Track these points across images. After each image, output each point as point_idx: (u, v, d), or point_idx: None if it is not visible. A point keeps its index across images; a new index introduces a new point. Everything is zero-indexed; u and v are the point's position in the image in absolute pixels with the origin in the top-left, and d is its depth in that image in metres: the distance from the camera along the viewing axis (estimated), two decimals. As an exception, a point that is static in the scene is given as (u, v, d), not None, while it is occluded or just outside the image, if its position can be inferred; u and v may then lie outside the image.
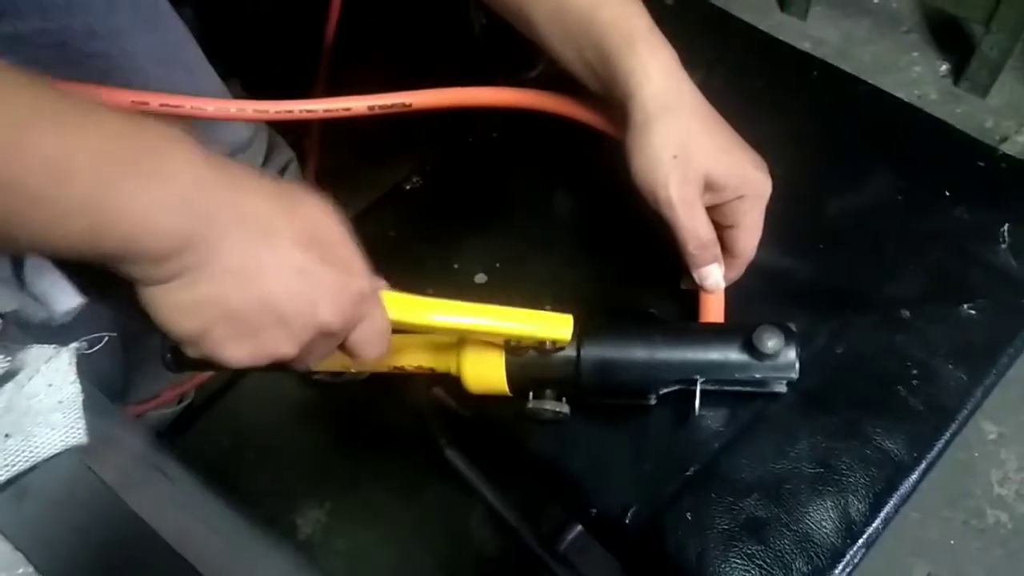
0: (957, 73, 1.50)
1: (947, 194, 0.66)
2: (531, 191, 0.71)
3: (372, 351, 0.44)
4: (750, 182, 0.55)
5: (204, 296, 0.36)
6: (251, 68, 1.13)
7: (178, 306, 0.36)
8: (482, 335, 0.47)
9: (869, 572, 1.03)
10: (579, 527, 1.01)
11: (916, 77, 1.52)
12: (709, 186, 0.54)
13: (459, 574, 1.13)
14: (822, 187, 0.65)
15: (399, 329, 0.46)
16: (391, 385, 1.18)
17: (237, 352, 0.38)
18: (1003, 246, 0.63)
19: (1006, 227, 0.63)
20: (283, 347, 0.39)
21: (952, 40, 1.54)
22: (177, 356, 0.55)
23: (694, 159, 0.53)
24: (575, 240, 0.67)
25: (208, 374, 0.99)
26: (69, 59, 0.61)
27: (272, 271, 0.37)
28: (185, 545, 0.33)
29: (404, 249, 0.70)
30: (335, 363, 0.56)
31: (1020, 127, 1.44)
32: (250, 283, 0.37)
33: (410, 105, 0.60)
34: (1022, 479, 1.13)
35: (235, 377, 1.27)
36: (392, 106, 0.60)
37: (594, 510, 0.55)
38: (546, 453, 0.57)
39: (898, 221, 0.65)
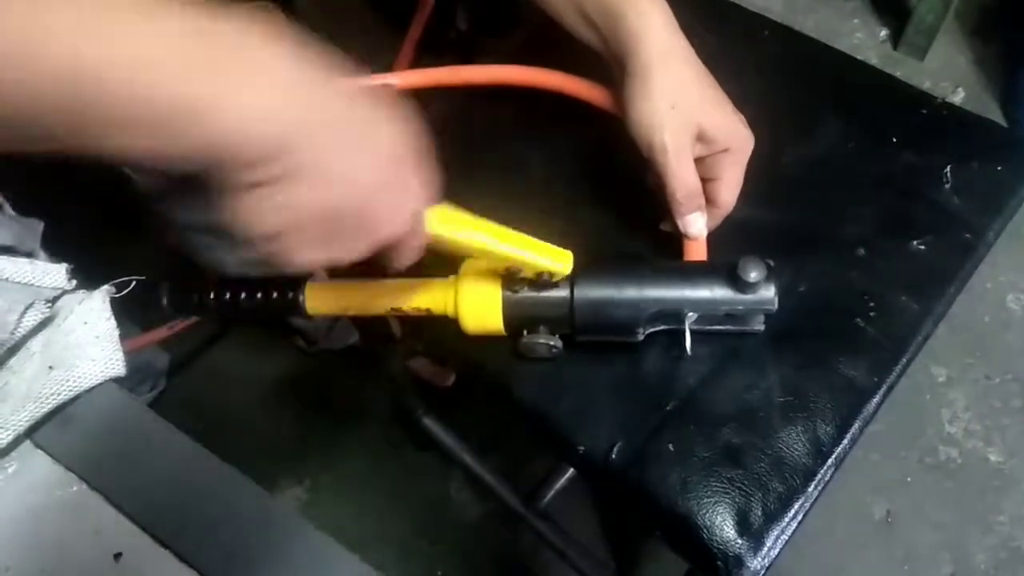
0: (896, 38, 1.56)
1: (894, 140, 0.70)
2: (505, 154, 0.73)
3: (410, 260, 0.44)
4: (737, 137, 0.58)
5: (292, 200, 0.35)
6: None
7: (263, 208, 0.35)
8: (490, 256, 0.50)
9: (832, 511, 1.10)
10: (558, 485, 1.05)
11: (857, 43, 1.58)
12: (700, 137, 0.57)
13: (441, 541, 1.15)
14: (779, 138, 0.69)
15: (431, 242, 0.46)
16: (366, 359, 1.20)
17: (309, 255, 0.38)
18: (947, 186, 0.67)
19: (948, 168, 0.68)
20: (352, 252, 0.39)
21: (890, 6, 1.60)
22: (175, 300, 0.56)
23: (689, 110, 0.56)
24: (553, 196, 0.70)
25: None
26: None
27: (360, 180, 0.36)
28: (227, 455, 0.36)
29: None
30: (333, 308, 0.58)
31: (956, 87, 1.52)
32: (340, 190, 0.36)
33: (395, 86, 0.62)
34: (969, 417, 1.20)
35: (205, 352, 1.27)
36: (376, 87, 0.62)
37: (581, 448, 0.58)
38: (534, 398, 0.60)
39: (850, 167, 0.69)
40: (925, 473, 1.16)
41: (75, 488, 0.35)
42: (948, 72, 1.54)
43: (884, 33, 1.59)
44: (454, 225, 0.46)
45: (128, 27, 0.30)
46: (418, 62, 0.84)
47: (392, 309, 0.57)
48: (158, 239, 0.91)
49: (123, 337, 1.06)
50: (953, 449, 1.18)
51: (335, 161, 0.35)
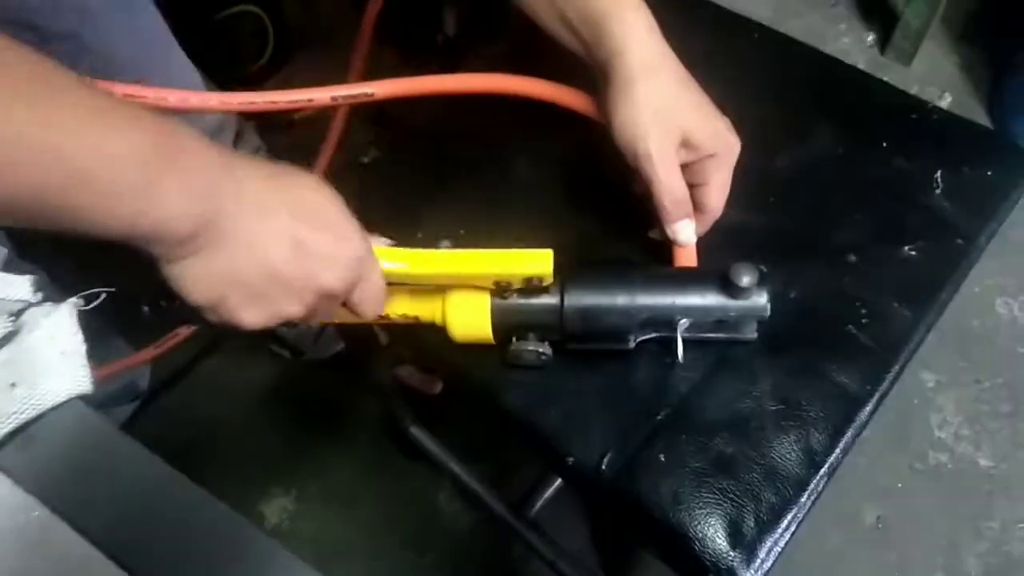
0: (883, 43, 1.56)
1: (884, 145, 0.69)
2: (491, 160, 0.72)
3: (371, 308, 0.48)
4: (723, 141, 0.58)
5: (217, 268, 0.41)
6: (213, 59, 1.11)
7: (197, 278, 0.41)
8: (470, 279, 0.49)
9: (822, 519, 1.09)
10: (548, 494, 1.04)
11: (844, 48, 1.58)
12: (685, 143, 0.56)
13: (430, 551, 1.13)
14: (768, 143, 0.68)
15: (392, 281, 0.48)
16: (353, 367, 1.19)
17: (250, 316, 0.43)
18: (937, 191, 0.67)
19: (939, 173, 0.67)
20: (290, 309, 0.44)
21: (877, 11, 1.60)
22: (157, 310, 0.55)
23: (674, 117, 0.55)
24: (540, 203, 0.69)
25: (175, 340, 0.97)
26: (37, 38, 0.60)
27: (272, 242, 0.41)
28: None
29: (364, 221, 0.71)
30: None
31: (943, 92, 1.52)
32: (254, 254, 0.41)
33: (373, 95, 0.61)
34: (960, 422, 1.20)
35: (189, 363, 1.25)
36: (355, 96, 0.61)
37: (571, 459, 0.57)
38: (522, 407, 0.59)
39: (841, 172, 0.68)
40: (916, 478, 1.16)
41: (36, 513, 0.33)
42: (935, 77, 1.54)
43: (871, 38, 1.59)
44: (408, 263, 0.48)
45: (107, 136, 0.35)
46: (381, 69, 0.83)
47: (380, 317, 0.56)
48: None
49: (109, 356, 1.03)
50: (943, 454, 1.17)
51: (252, 229, 0.41)
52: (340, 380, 1.22)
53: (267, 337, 1.22)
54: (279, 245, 0.42)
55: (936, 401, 1.22)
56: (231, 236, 0.40)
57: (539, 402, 0.59)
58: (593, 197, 0.67)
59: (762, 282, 0.53)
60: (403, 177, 0.75)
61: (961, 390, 1.22)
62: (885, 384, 0.59)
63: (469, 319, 0.54)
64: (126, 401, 1.19)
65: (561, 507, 1.04)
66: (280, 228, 0.42)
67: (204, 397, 1.24)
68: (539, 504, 1.03)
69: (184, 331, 0.99)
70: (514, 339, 0.56)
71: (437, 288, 0.55)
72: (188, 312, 0.58)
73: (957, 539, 1.11)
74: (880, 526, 1.12)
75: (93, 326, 0.98)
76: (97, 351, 1.00)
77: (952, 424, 1.20)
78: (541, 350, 0.56)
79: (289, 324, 0.46)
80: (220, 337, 1.24)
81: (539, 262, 0.50)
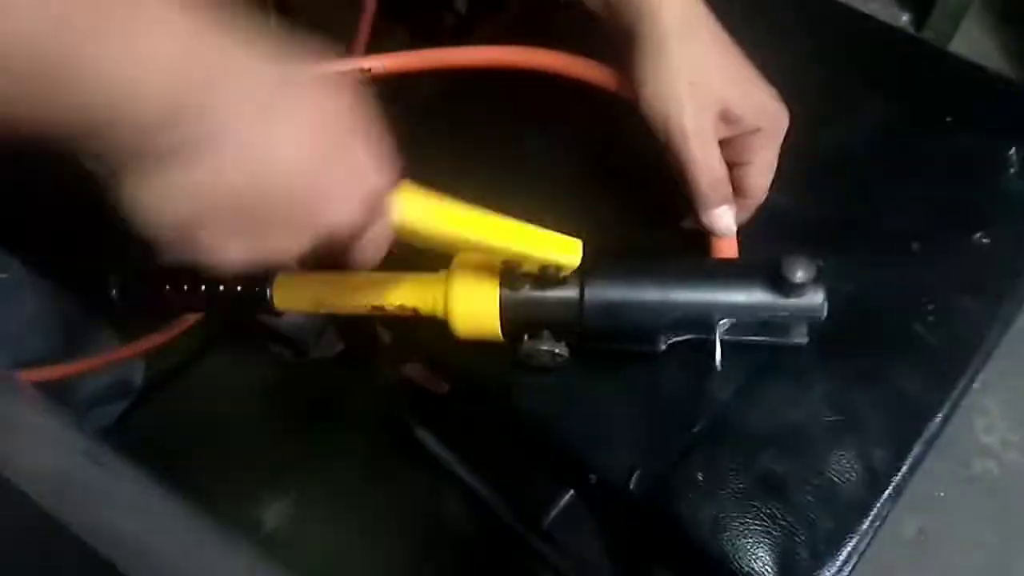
0: (919, 23, 1.48)
1: (948, 119, 0.61)
2: (501, 141, 0.65)
3: (370, 259, 0.38)
4: (768, 114, 0.51)
5: (200, 179, 0.30)
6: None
7: (167, 190, 0.30)
8: (484, 250, 0.42)
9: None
10: (563, 502, 0.97)
11: (879, 27, 1.50)
12: (725, 117, 0.49)
13: (436, 560, 1.07)
14: (817, 117, 0.60)
15: (400, 236, 0.40)
16: (356, 366, 1.12)
17: (233, 250, 0.32)
18: (1012, 171, 0.59)
19: (1013, 151, 0.59)
20: (284, 248, 0.33)
21: (914, -12, 1.52)
22: (126, 294, 0.49)
23: (711, 87, 0.49)
24: (556, 189, 0.61)
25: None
26: None
27: (283, 158, 0.31)
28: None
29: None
30: (305, 304, 0.50)
31: (984, 74, 1.43)
32: (256, 168, 0.30)
33: (369, 71, 0.56)
34: (1007, 426, 1.11)
35: (186, 360, 1.19)
36: (348, 72, 0.55)
37: (593, 477, 0.49)
38: (538, 415, 0.51)
39: (900, 149, 0.60)
40: (960, 487, 1.08)
41: None
42: (975, 59, 1.45)
43: (906, 18, 1.50)
44: (429, 213, 0.39)
45: None
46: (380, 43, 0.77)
47: (373, 307, 0.49)
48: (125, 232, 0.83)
49: (92, 349, 0.96)
50: (990, 460, 1.09)
51: (251, 131, 0.30)
52: (342, 379, 1.15)
53: (268, 336, 1.15)
54: (291, 165, 0.31)
55: (980, 403, 1.13)
56: (227, 136, 0.29)
57: (558, 410, 0.51)
58: (616, 181, 0.60)
59: (818, 278, 0.45)
60: (402, 159, 0.67)
61: (1008, 391, 1.14)
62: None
63: (475, 313, 0.48)
64: (118, 399, 1.13)
65: (577, 515, 0.97)
66: (298, 140, 0.31)
67: (200, 396, 1.18)
68: (554, 512, 0.96)
69: (178, 326, 0.92)
70: (526, 337, 0.48)
71: (440, 276, 0.48)
72: (160, 297, 0.52)
73: (1005, 553, 1.03)
74: (921, 538, 1.05)
75: (69, 316, 0.91)
76: (78, 344, 0.93)
77: (999, 428, 1.11)
78: (557, 350, 0.48)
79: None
80: (217, 332, 1.18)
81: (567, 249, 0.43)
